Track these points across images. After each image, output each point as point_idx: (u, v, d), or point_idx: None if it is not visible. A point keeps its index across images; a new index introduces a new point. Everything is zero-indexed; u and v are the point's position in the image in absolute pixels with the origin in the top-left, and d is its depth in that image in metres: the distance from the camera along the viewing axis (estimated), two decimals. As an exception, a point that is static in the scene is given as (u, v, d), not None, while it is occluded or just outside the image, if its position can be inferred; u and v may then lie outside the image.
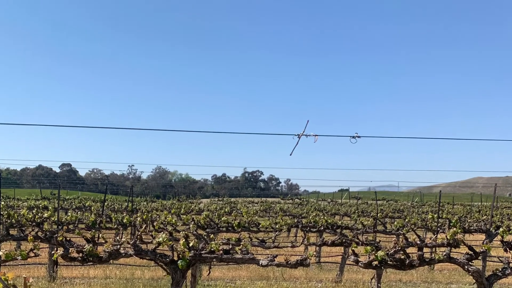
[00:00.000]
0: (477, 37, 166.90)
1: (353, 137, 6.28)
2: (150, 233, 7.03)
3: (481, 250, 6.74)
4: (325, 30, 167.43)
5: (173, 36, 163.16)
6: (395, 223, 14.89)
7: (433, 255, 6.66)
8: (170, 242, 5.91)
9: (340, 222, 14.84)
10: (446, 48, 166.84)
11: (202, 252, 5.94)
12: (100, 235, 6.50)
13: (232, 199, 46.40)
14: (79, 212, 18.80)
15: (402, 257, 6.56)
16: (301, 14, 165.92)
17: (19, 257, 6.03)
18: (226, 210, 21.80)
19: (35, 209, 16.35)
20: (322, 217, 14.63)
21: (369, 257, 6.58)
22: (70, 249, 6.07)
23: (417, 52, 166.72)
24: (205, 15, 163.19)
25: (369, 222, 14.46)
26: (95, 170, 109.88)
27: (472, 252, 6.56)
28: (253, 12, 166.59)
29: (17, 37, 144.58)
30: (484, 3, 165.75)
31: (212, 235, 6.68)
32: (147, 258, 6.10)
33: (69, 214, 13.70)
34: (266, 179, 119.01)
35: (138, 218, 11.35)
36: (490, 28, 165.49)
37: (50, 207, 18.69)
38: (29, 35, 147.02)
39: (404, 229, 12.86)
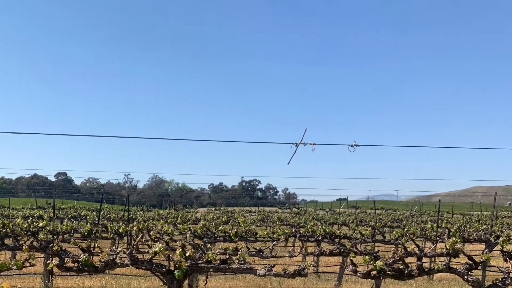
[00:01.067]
0: (476, 45, 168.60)
1: (352, 145, 6.27)
2: (146, 243, 6.97)
3: (481, 260, 6.70)
4: (324, 39, 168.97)
5: (170, 44, 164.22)
6: (394, 232, 14.84)
7: (432, 265, 6.62)
8: (167, 251, 5.86)
9: (338, 231, 14.76)
10: (446, 56, 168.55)
11: (199, 262, 5.87)
12: (96, 244, 6.45)
13: (229, 209, 46.22)
14: (74, 222, 18.66)
15: (401, 267, 6.51)
16: (300, 22, 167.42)
17: (14, 267, 5.95)
18: (223, 219, 21.68)
19: (30, 219, 16.22)
20: (320, 226, 14.57)
21: (368, 267, 6.53)
22: (66, 259, 6.01)
23: (416, 61, 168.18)
24: (204, 23, 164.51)
25: (367, 231, 14.41)
26: (90, 179, 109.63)
27: (471, 262, 6.52)
28: (251, 21, 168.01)
29: (13, 44, 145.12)
30: (483, 12, 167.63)
31: (209, 244, 6.64)
32: (144, 268, 6.03)
33: (65, 223, 13.58)
34: (263, 188, 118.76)
35: (134, 228, 11.28)
36: (489, 37, 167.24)
37: (45, 217, 18.56)
38: (25, 43, 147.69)
39: (403, 238, 12.81)
